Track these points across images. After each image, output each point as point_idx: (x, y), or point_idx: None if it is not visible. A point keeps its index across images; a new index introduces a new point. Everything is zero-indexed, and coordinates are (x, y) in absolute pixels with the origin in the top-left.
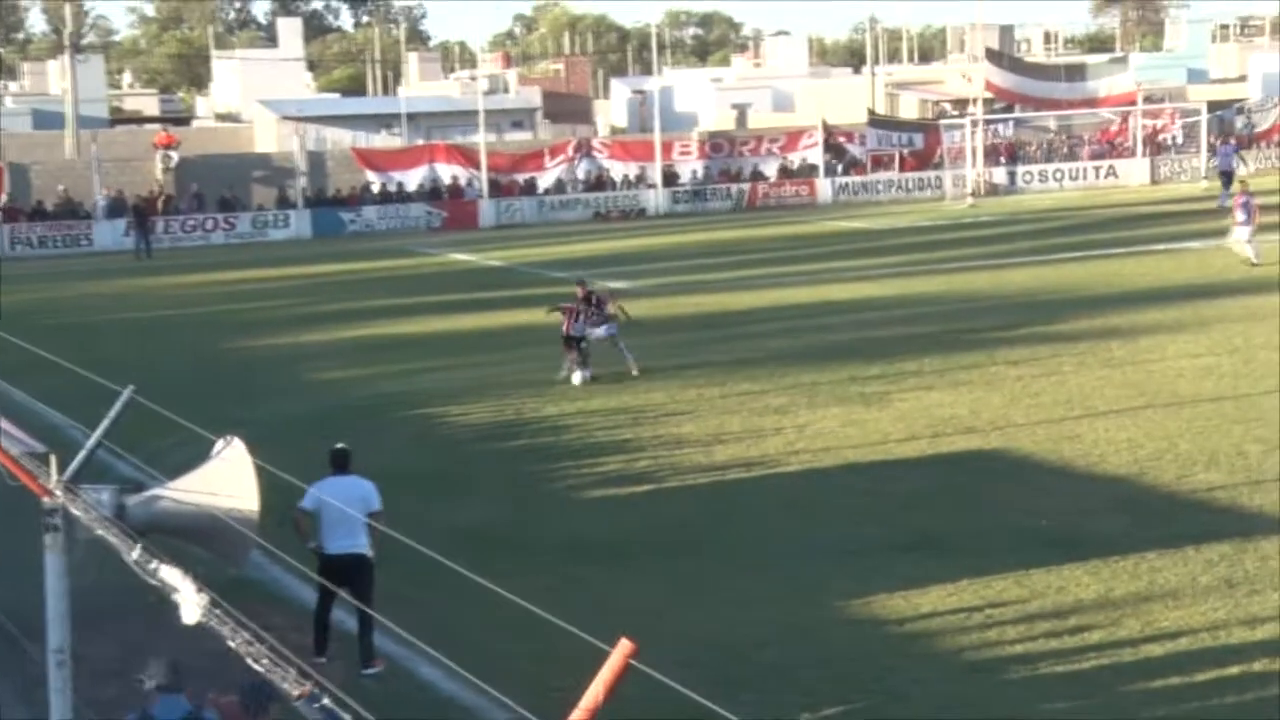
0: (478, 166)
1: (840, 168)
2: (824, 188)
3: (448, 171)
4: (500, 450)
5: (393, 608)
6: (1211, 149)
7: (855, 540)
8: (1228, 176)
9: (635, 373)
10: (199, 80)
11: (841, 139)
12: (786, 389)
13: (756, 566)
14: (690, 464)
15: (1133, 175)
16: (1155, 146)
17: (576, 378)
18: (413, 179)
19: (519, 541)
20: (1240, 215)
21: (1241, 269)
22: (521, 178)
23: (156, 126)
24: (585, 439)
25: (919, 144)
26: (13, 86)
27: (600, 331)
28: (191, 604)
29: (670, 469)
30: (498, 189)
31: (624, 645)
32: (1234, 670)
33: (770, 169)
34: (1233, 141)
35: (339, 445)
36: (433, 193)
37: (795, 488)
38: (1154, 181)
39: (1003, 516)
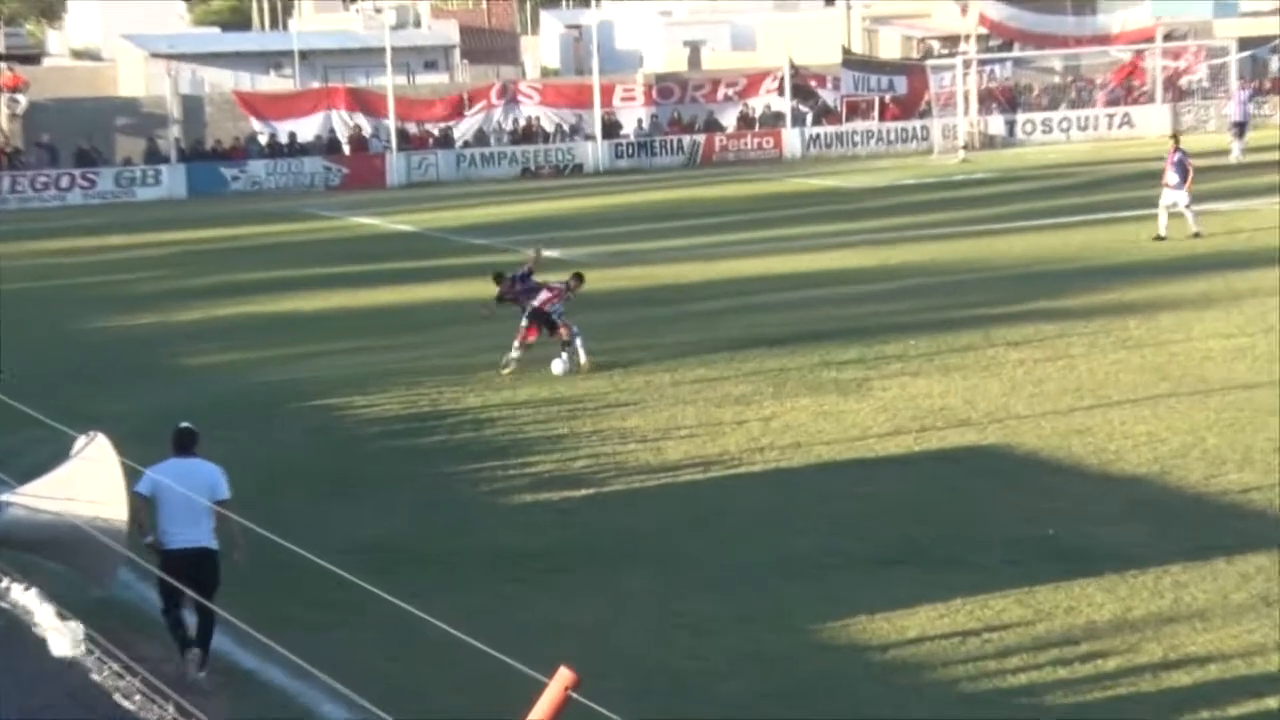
0: (384, 115)
1: (810, 116)
2: (791, 140)
3: (348, 120)
4: (413, 448)
5: (284, 633)
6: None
7: (830, 553)
8: (1240, 128)
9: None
10: (50, 10)
11: (811, 82)
12: (749, 375)
13: (715, 584)
14: (637, 464)
15: (1151, 124)
16: (1177, 91)
17: (557, 366)
18: (307, 129)
19: (436, 555)
20: (1172, 175)
21: (1196, 244)
22: (436, 128)
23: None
24: (513, 434)
25: (902, 89)
26: None
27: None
28: (60, 633)
29: (613, 470)
30: (408, 141)
31: (563, 675)
32: (1272, 703)
33: (728, 118)
34: (1248, 86)
35: (183, 424)
36: (330, 145)
37: (759, 491)
38: (1175, 132)
39: (1003, 524)
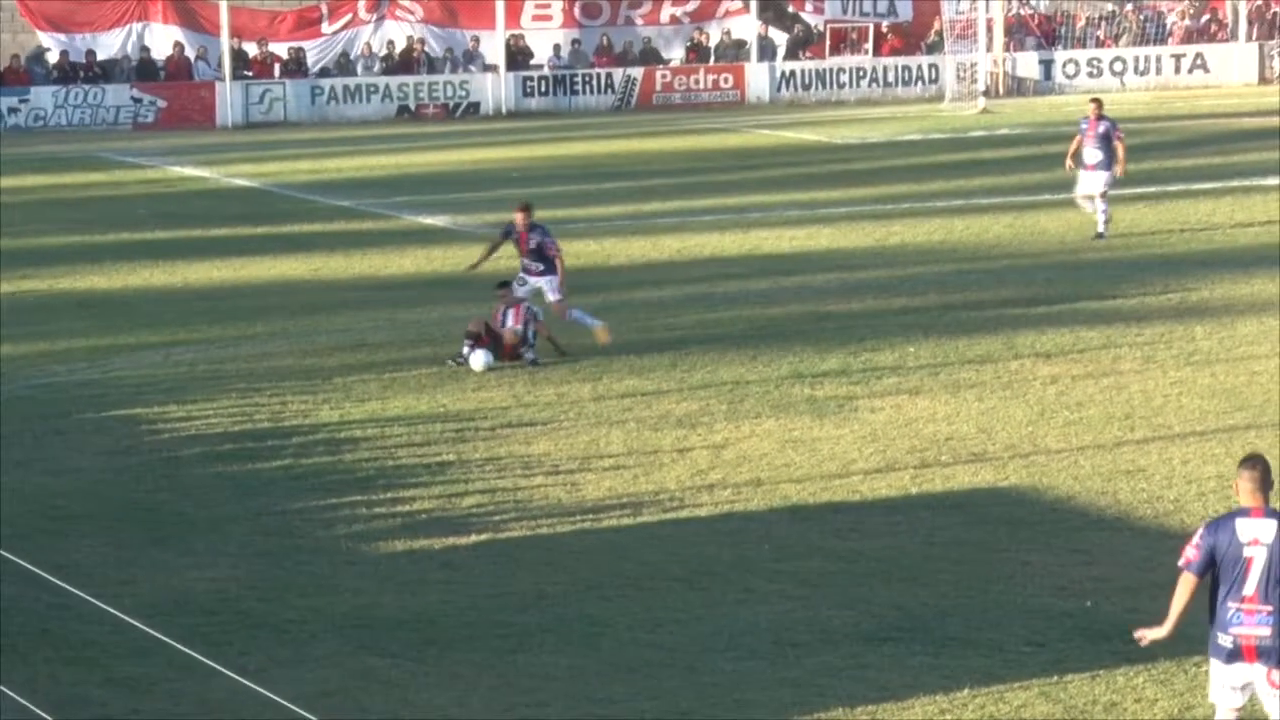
0: (215, 31)
1: (784, 47)
2: (757, 78)
3: (166, 36)
4: (248, 476)
5: (74, 712)
6: None
7: (798, 626)
8: None
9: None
10: None
11: (786, 3)
12: (695, 389)
13: (643, 666)
14: (544, 503)
15: (1231, 69)
16: (1266, 26)
17: (478, 360)
18: (110, 46)
19: (278, 620)
20: (1092, 153)
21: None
22: (284, 49)
23: None
24: (382, 461)
25: (905, 14)
26: None
27: (543, 284)
28: None
29: (513, 511)
30: (246, 66)
31: None
32: None
33: (674, 47)
34: None
35: None
36: (142, 69)
37: (705, 543)
38: (1263, 79)
39: (1026, 592)
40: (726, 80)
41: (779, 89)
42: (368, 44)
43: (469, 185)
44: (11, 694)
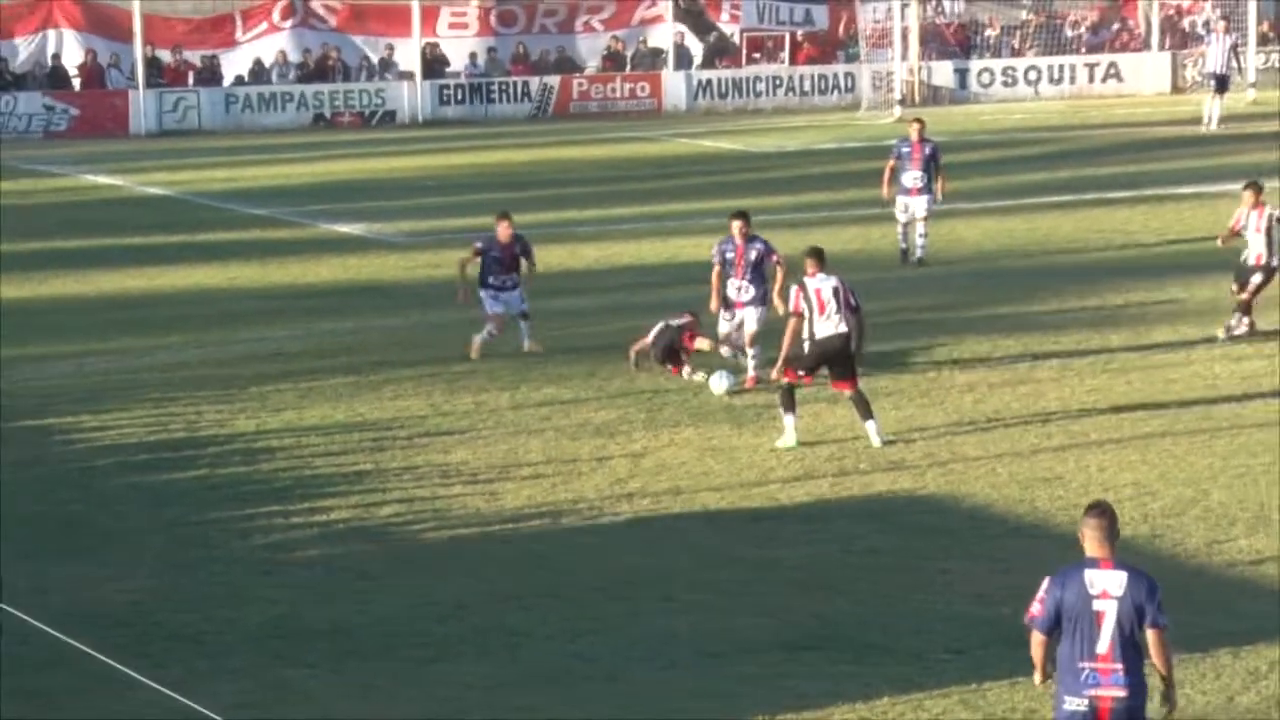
0: (128, 39)
1: (700, 55)
2: (674, 86)
3: (78, 43)
4: (163, 486)
5: None
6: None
7: (719, 634)
8: (1221, 82)
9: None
10: None
11: (704, 9)
12: (614, 398)
13: (562, 675)
14: (463, 512)
15: (1144, 78)
16: (1179, 35)
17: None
18: (21, 53)
19: (194, 628)
20: (914, 175)
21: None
22: (198, 57)
23: None
24: (298, 470)
25: (821, 21)
26: None
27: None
28: None
29: (431, 519)
30: (160, 74)
31: None
32: None
33: (592, 54)
34: (1226, 33)
35: None
36: (55, 77)
37: (624, 551)
38: (1176, 89)
39: (944, 600)
40: (643, 89)
41: (696, 97)
42: (283, 52)
43: (385, 194)
44: None
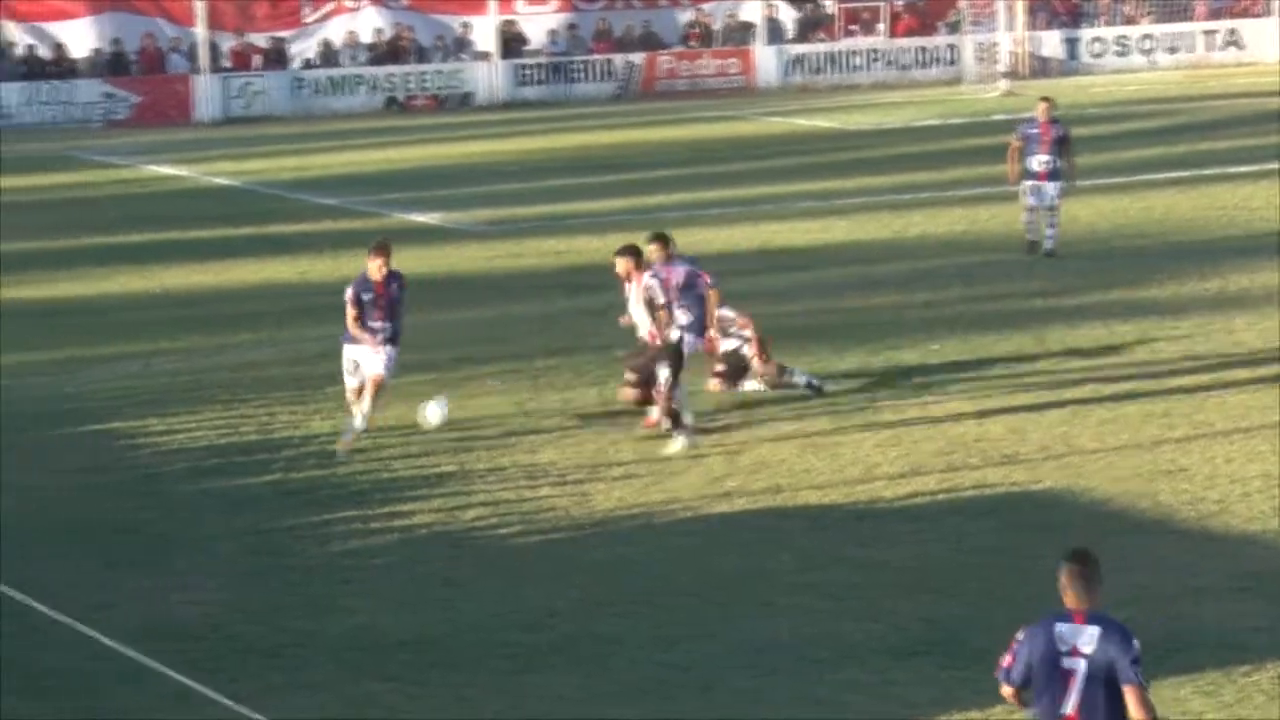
0: (189, 20)
1: (793, 28)
2: (765, 62)
3: (138, 26)
4: (234, 491)
5: None
6: None
7: (822, 639)
8: None
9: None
10: None
11: None
12: (710, 393)
13: (656, 685)
14: (551, 515)
15: (1267, 45)
16: None
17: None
18: (81, 37)
19: (270, 641)
20: (1039, 160)
21: None
22: (265, 40)
23: None
24: (377, 473)
25: None
26: None
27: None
28: None
29: (518, 523)
30: (224, 58)
31: None
32: None
33: (677, 30)
34: None
35: None
36: (115, 62)
37: (721, 552)
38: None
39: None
40: (733, 65)
41: (788, 73)
42: (352, 32)
43: (462, 180)
44: None
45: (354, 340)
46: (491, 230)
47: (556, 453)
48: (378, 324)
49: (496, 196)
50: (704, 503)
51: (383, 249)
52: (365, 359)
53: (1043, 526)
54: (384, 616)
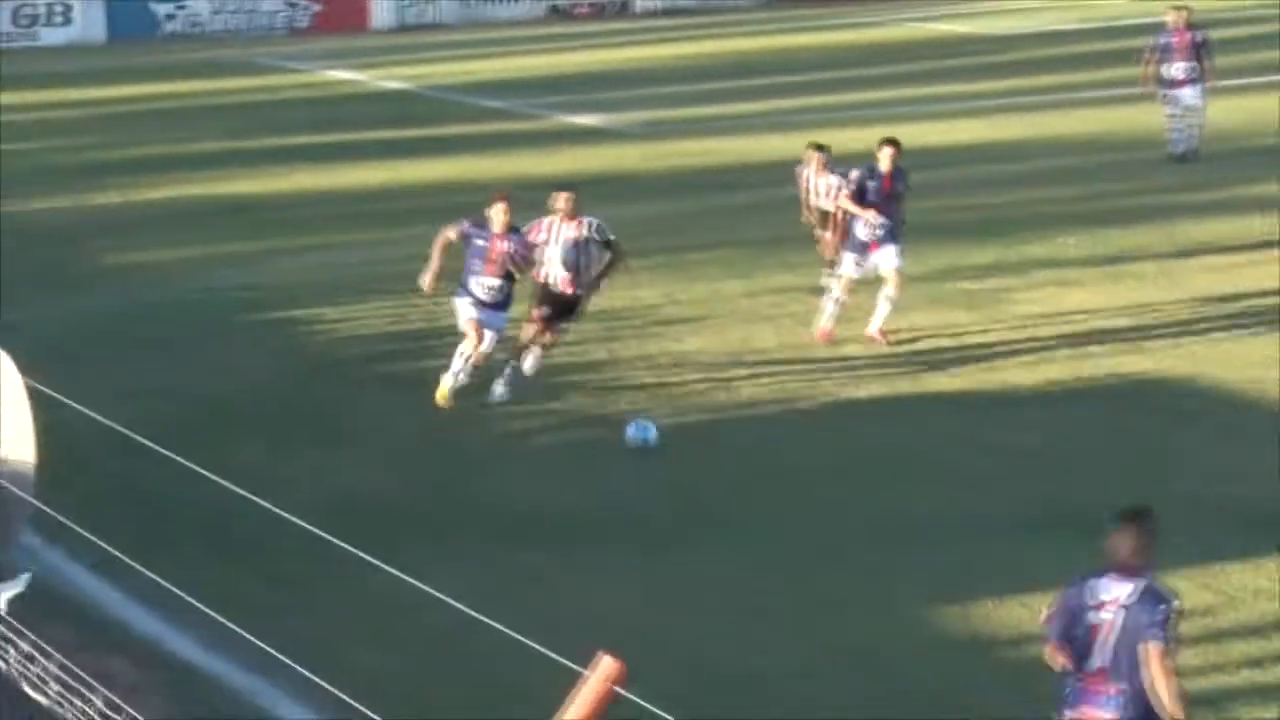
0: None
1: None
2: None
3: None
4: (402, 375)
5: (236, 613)
6: None
7: (949, 517)
8: None
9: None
10: None
11: None
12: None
13: (796, 558)
14: (697, 400)
15: None
16: None
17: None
18: None
19: (431, 516)
20: (1177, 68)
21: None
22: None
23: None
24: None
25: None
26: None
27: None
28: None
29: (666, 406)
30: None
31: (607, 666)
32: None
33: None
34: None
35: None
36: None
37: (857, 436)
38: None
39: (1181, 481)
40: None
41: None
42: None
43: (621, 84)
44: (175, 589)
45: (470, 294)
46: (648, 131)
47: (702, 341)
48: (488, 279)
49: (653, 99)
50: (838, 388)
51: (505, 196)
52: (486, 318)
53: (1164, 410)
54: (538, 493)
